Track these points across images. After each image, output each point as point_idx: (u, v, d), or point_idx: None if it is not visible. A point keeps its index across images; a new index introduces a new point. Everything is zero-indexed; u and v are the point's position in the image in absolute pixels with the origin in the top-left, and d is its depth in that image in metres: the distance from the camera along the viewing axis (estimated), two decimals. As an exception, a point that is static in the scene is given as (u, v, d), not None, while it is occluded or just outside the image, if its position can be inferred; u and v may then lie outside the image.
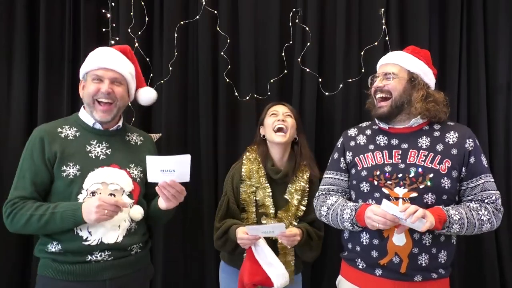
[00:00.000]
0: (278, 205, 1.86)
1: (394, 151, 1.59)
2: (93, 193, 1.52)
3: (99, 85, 1.58)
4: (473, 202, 1.54)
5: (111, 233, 1.53)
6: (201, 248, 2.33)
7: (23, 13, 2.39)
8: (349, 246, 1.67)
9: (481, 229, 1.51)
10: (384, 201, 1.44)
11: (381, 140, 1.65)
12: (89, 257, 1.50)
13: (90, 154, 1.57)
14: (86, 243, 1.50)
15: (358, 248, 1.61)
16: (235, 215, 1.87)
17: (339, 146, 1.76)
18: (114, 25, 2.34)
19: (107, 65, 1.59)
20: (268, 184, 1.86)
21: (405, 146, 1.59)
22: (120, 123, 1.70)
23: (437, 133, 1.60)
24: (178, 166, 1.41)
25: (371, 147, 1.65)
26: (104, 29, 2.35)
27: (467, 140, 1.57)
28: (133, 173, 1.63)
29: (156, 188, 1.49)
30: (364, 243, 1.58)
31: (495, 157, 2.35)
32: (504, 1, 2.35)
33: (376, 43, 2.26)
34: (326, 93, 2.30)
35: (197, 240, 2.35)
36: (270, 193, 1.85)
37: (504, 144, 2.35)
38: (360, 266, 1.61)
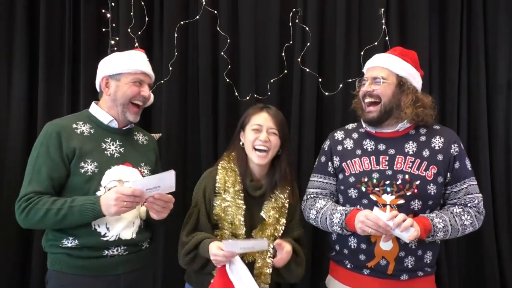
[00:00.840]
0: (254, 224, 1.66)
1: (381, 157, 1.59)
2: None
3: (140, 89, 1.62)
4: (456, 206, 1.57)
5: (127, 229, 1.56)
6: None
7: (23, 13, 2.38)
8: (337, 247, 1.68)
9: (464, 233, 1.55)
10: (375, 209, 1.45)
11: (368, 144, 1.64)
12: (106, 251, 1.52)
13: (105, 152, 1.59)
14: (104, 239, 1.52)
15: (345, 251, 1.62)
16: (205, 231, 1.65)
17: (326, 149, 1.75)
18: (114, 25, 2.34)
19: (147, 70, 1.66)
20: (242, 201, 1.65)
21: (392, 151, 1.59)
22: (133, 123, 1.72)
23: (423, 138, 1.60)
24: (163, 182, 1.43)
25: (358, 152, 1.64)
26: (104, 29, 2.35)
27: (453, 145, 1.58)
28: (144, 171, 1.67)
29: (145, 204, 1.49)
30: (352, 247, 1.59)
31: (495, 157, 2.34)
32: (504, 1, 2.35)
33: (376, 43, 2.26)
34: (326, 93, 2.30)
35: (197, 240, 2.34)
36: (243, 213, 1.64)
37: (504, 144, 2.35)
38: (348, 266, 1.62)
